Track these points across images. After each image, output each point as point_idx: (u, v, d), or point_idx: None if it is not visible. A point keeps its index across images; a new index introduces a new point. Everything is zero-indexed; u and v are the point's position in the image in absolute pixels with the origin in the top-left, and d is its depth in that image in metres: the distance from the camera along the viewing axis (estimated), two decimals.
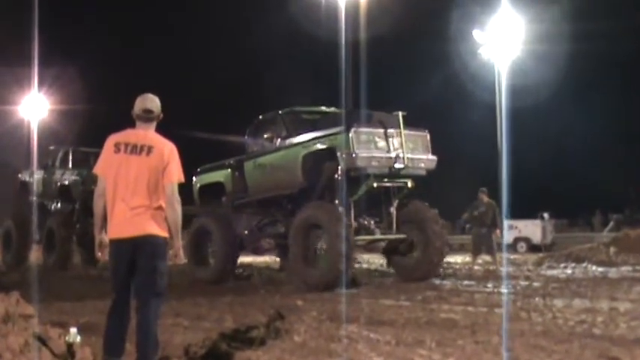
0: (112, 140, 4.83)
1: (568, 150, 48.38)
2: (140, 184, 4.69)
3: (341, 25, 25.81)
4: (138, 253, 4.67)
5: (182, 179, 4.86)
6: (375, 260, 17.81)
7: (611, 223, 35.02)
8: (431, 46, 42.59)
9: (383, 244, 13.36)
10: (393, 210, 12.88)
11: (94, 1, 54.58)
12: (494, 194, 16.74)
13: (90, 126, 32.27)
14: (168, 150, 4.81)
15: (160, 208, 4.74)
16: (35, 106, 34.61)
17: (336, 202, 11.87)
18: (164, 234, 4.73)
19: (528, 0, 31.29)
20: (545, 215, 29.25)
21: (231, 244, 13.88)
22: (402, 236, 12.89)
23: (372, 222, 13.06)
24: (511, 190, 17.25)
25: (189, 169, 14.27)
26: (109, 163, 4.78)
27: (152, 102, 4.91)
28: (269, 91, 38.42)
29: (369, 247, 14.48)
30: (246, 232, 14.16)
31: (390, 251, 13.30)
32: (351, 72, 22.61)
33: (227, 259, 13.87)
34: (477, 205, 16.11)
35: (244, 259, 16.43)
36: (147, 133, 4.85)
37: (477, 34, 28.41)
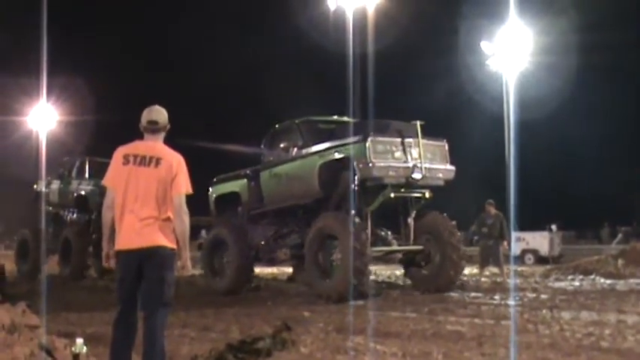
0: (120, 152, 4.87)
1: (576, 162, 48.27)
2: (149, 196, 4.73)
3: (349, 37, 25.92)
4: (145, 263, 4.70)
5: (190, 191, 4.90)
6: (382, 272, 17.79)
7: (620, 236, 34.88)
8: (439, 57, 42.70)
9: (400, 255, 13.24)
10: (410, 221, 12.73)
11: (101, 12, 54.90)
12: (502, 206, 16.70)
13: (98, 136, 32.50)
14: (176, 162, 4.86)
15: (168, 219, 4.77)
16: (43, 117, 34.78)
17: (353, 212, 11.69)
18: (172, 245, 4.76)
19: (536, 11, 31.37)
20: (553, 227, 29.11)
21: (247, 254, 13.76)
22: (419, 247, 12.74)
23: (389, 233, 12.96)
24: (519, 201, 17.20)
25: (204, 180, 14.41)
26: (118, 174, 4.82)
27: (158, 113, 4.96)
28: (279, 103, 38.49)
29: (386, 259, 14.37)
30: (262, 242, 14.00)
31: (407, 262, 13.16)
32: (359, 83, 22.68)
33: (242, 270, 13.75)
34: (485, 217, 16.05)
35: None
36: (155, 145, 4.89)
37: (484, 45, 28.45)
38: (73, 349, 4.49)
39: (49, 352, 4.30)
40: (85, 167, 19.62)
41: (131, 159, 4.79)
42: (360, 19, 26.51)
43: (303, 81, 42.21)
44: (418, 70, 47.31)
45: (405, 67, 46.55)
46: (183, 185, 4.83)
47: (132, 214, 4.71)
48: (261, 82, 50.30)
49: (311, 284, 12.50)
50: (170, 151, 4.92)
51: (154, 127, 4.89)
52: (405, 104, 40.44)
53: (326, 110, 14.45)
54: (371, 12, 26.71)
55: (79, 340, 4.56)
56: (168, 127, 5.00)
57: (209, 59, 51.88)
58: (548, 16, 32.86)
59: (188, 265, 4.93)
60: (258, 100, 50.49)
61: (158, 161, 4.78)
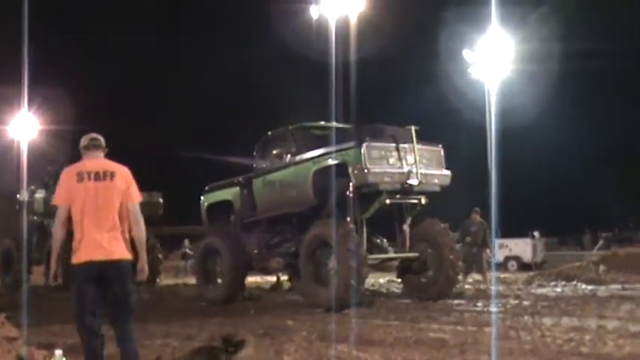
0: (72, 171, 5.15)
1: (558, 169, 48.59)
2: (109, 208, 5.04)
3: (332, 45, 25.95)
4: (108, 275, 4.99)
5: (141, 199, 5.27)
6: (367, 280, 17.77)
7: (601, 242, 35.13)
8: (421, 65, 42.79)
9: (396, 262, 13.17)
10: (406, 228, 12.61)
11: (84, 21, 54.66)
12: (485, 213, 16.76)
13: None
14: (127, 173, 5.24)
15: (124, 231, 5.10)
16: (25, 126, 34.54)
17: (348, 219, 11.61)
18: (130, 257, 5.08)
19: (518, 19, 31.55)
20: (536, 234, 29.30)
21: (240, 263, 13.61)
22: (415, 255, 12.63)
23: (385, 240, 12.88)
24: (501, 208, 17.27)
25: (198, 189, 14.26)
26: (73, 192, 5.06)
27: (97, 135, 5.33)
28: (265, 111, 38.54)
29: (382, 266, 14.25)
30: (255, 251, 13.76)
31: (403, 270, 13.06)
32: (342, 91, 22.71)
33: (235, 279, 13.65)
34: (469, 224, 16.10)
35: None
36: (103, 161, 5.24)
37: (466, 53, 28.57)
38: None
39: None
40: None
41: (85, 176, 5.05)
42: (343, 28, 26.57)
43: (287, 90, 42.20)
44: (400, 78, 47.46)
45: (387, 75, 46.68)
46: (136, 195, 5.22)
47: (94, 228, 4.98)
48: (245, 91, 50.34)
49: (306, 293, 12.39)
50: (118, 165, 5.26)
51: (95, 142, 5.25)
52: (387, 112, 40.58)
53: (309, 118, 14.39)
54: (353, 20, 26.79)
55: (58, 352, 4.53)
56: (106, 150, 5.32)
57: (192, 71, 51.78)
58: (530, 23, 33.09)
59: (145, 269, 5.23)
60: (244, 110, 50.43)
61: (112, 175, 5.11)
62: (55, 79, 37.24)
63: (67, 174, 5.15)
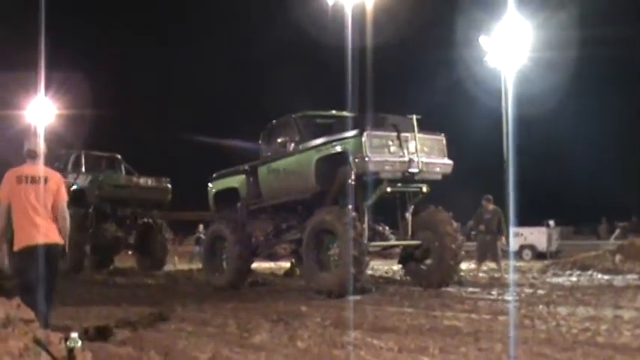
0: (13, 174, 6.23)
1: (575, 157, 48.21)
2: (43, 205, 6.18)
3: (347, 32, 25.88)
4: (47, 255, 6.12)
5: (66, 198, 6.41)
6: (380, 267, 17.80)
7: (617, 231, 34.80)
8: (437, 52, 42.55)
9: (398, 250, 13.27)
10: (408, 215, 12.75)
11: (100, 6, 54.78)
12: (501, 201, 16.68)
13: (96, 130, 32.47)
14: (57, 178, 6.44)
15: (55, 221, 6.26)
16: (42, 111, 34.73)
17: (350, 207, 11.67)
18: (61, 241, 6.29)
19: (535, 6, 31.20)
20: (551, 222, 29.08)
21: (245, 249, 13.83)
22: (417, 242, 12.76)
23: (387, 228, 12.98)
24: (517, 197, 17.18)
25: (204, 176, 14.42)
26: (15, 190, 6.15)
27: (36, 145, 6.41)
28: (278, 98, 38.46)
29: (385, 254, 14.32)
30: (261, 237, 14.04)
31: (406, 258, 13.17)
32: (357, 78, 22.64)
33: (241, 265, 13.86)
34: (483, 212, 16.00)
35: None
36: (39, 168, 6.35)
37: (483, 40, 28.35)
38: (67, 343, 4.47)
39: (43, 346, 4.30)
40: (80, 161, 19.53)
41: (24, 179, 6.19)
42: (359, 14, 26.47)
43: (302, 76, 42.16)
44: (416, 65, 47.29)
45: (403, 61, 46.47)
46: (64, 195, 6.39)
47: (34, 219, 6.12)
48: (259, 77, 50.32)
49: (310, 279, 12.50)
50: (51, 171, 6.50)
51: (33, 154, 6.35)
52: (403, 99, 40.42)
53: (325, 105, 14.44)
54: (370, 6, 26.68)
55: (74, 335, 4.55)
56: (45, 152, 6.46)
57: (208, 55, 51.81)
58: (547, 10, 32.69)
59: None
60: (257, 96, 50.46)
61: (46, 179, 6.27)
62: (71, 63, 37.36)
63: (9, 176, 6.23)
